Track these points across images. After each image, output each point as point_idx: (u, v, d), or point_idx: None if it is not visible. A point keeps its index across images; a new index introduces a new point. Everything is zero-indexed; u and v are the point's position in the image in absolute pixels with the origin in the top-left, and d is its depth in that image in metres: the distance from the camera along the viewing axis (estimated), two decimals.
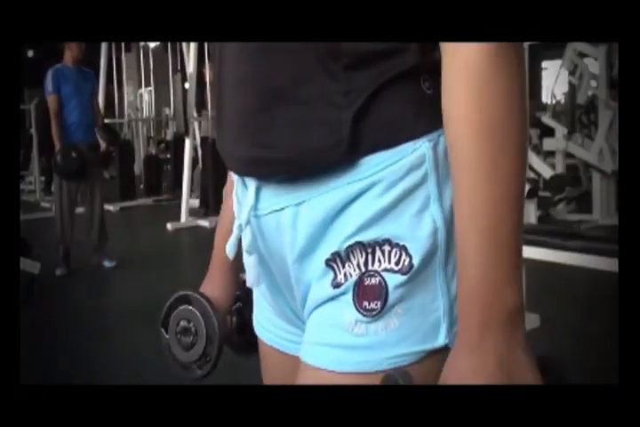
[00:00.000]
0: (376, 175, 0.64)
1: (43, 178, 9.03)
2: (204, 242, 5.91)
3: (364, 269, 0.64)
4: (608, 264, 2.56)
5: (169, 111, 11.27)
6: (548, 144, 5.80)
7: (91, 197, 4.77)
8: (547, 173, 5.01)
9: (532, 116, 6.11)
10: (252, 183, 0.73)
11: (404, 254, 0.63)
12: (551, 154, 6.03)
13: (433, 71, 0.64)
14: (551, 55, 11.51)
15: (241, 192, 0.77)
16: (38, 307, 3.27)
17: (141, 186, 8.83)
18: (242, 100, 0.70)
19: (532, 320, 2.95)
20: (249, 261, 0.77)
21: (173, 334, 0.83)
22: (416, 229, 0.63)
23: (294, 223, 0.68)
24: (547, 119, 5.96)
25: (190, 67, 6.82)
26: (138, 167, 9.68)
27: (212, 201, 6.60)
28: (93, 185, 4.74)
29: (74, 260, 4.71)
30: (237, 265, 0.88)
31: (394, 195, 0.63)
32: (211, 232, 5.64)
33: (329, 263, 0.65)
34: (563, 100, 6.99)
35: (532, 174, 5.05)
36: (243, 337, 0.88)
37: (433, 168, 0.64)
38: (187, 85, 7.14)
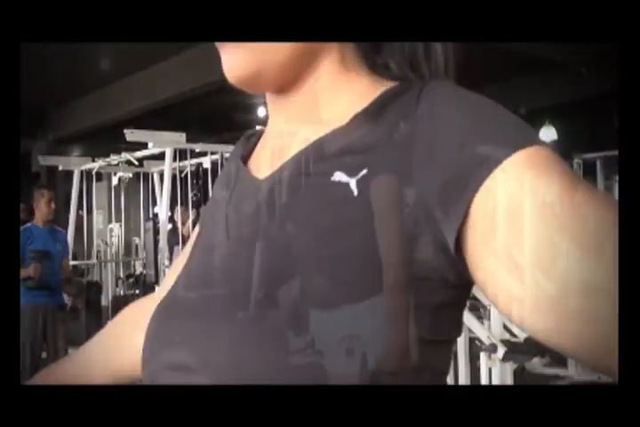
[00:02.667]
0: None
1: None
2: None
3: None
4: None
5: (139, 241, 11.28)
6: None
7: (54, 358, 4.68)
8: (522, 334, 5.08)
9: None
10: None
11: None
12: None
13: None
14: None
15: None
16: None
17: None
18: None
19: None
20: None
21: None
22: None
23: None
24: None
25: (161, 214, 6.89)
26: (106, 301, 9.56)
27: None
28: (56, 345, 4.73)
29: None
30: None
31: None
32: None
33: None
34: None
35: (506, 335, 5.09)
36: None
37: None
38: (159, 236, 7.16)
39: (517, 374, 5.50)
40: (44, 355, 4.77)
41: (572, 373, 5.68)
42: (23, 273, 4.35)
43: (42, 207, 4.64)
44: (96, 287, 8.59)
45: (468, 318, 5.03)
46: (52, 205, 4.68)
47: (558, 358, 5.95)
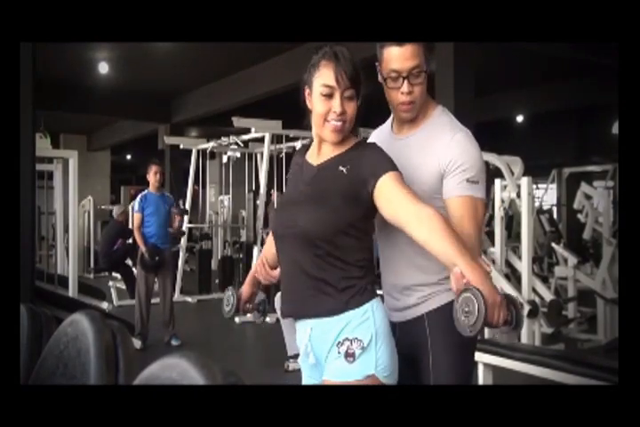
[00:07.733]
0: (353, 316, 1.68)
1: None
2: (263, 335, 6.97)
3: (347, 346, 1.63)
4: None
5: (245, 213, 12.65)
6: (560, 271, 6.74)
7: (163, 290, 6.26)
8: (547, 296, 5.86)
9: (548, 246, 7.11)
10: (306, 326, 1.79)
11: (360, 342, 1.63)
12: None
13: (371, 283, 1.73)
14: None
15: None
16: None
17: (217, 281, 10.12)
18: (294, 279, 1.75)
19: None
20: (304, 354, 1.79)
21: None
22: (365, 334, 1.63)
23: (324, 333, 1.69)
24: (560, 249, 6.92)
25: (261, 188, 8.22)
26: (215, 265, 11.07)
27: (271, 299, 7.65)
28: (165, 281, 6.23)
29: (149, 338, 6.10)
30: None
31: (357, 324, 1.65)
32: (271, 327, 6.81)
33: (336, 344, 1.65)
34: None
35: (536, 298, 5.87)
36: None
37: (374, 315, 1.67)
38: (257, 202, 8.51)
39: (554, 336, 6.23)
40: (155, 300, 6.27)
41: (601, 337, 6.40)
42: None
43: (151, 178, 6.20)
44: (207, 254, 10.00)
45: (502, 281, 5.89)
46: (158, 176, 6.21)
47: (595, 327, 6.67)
